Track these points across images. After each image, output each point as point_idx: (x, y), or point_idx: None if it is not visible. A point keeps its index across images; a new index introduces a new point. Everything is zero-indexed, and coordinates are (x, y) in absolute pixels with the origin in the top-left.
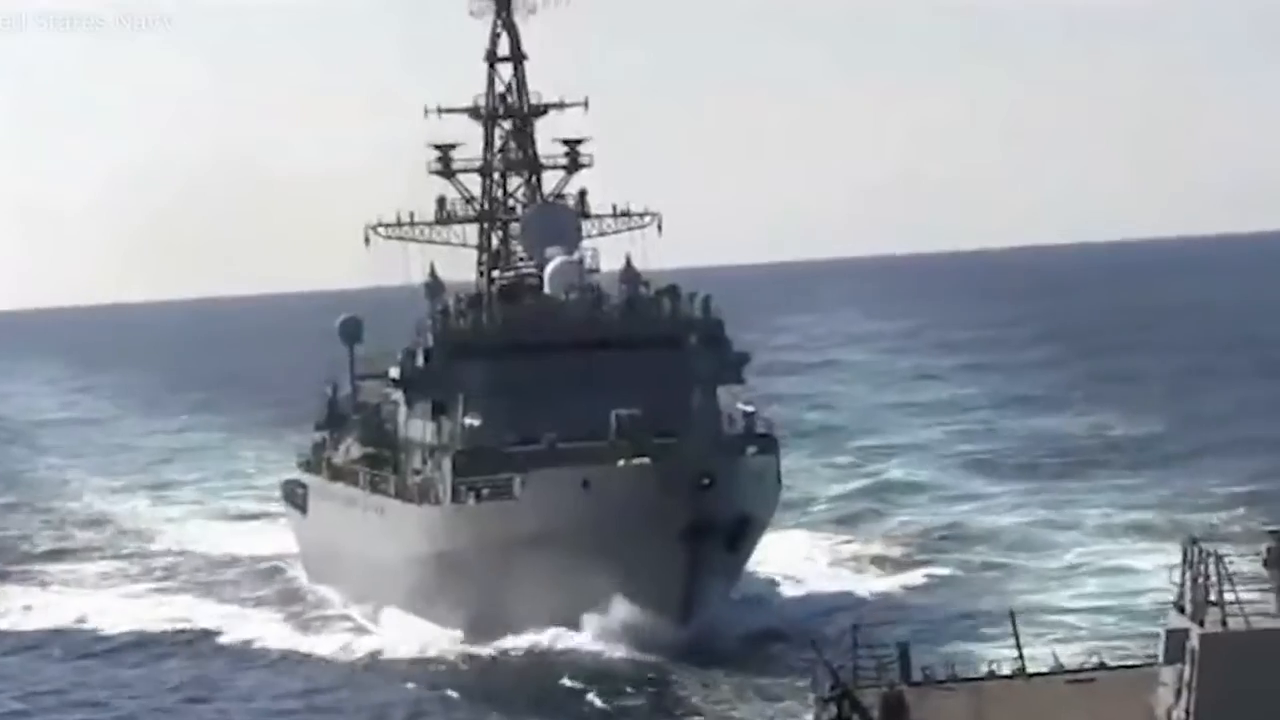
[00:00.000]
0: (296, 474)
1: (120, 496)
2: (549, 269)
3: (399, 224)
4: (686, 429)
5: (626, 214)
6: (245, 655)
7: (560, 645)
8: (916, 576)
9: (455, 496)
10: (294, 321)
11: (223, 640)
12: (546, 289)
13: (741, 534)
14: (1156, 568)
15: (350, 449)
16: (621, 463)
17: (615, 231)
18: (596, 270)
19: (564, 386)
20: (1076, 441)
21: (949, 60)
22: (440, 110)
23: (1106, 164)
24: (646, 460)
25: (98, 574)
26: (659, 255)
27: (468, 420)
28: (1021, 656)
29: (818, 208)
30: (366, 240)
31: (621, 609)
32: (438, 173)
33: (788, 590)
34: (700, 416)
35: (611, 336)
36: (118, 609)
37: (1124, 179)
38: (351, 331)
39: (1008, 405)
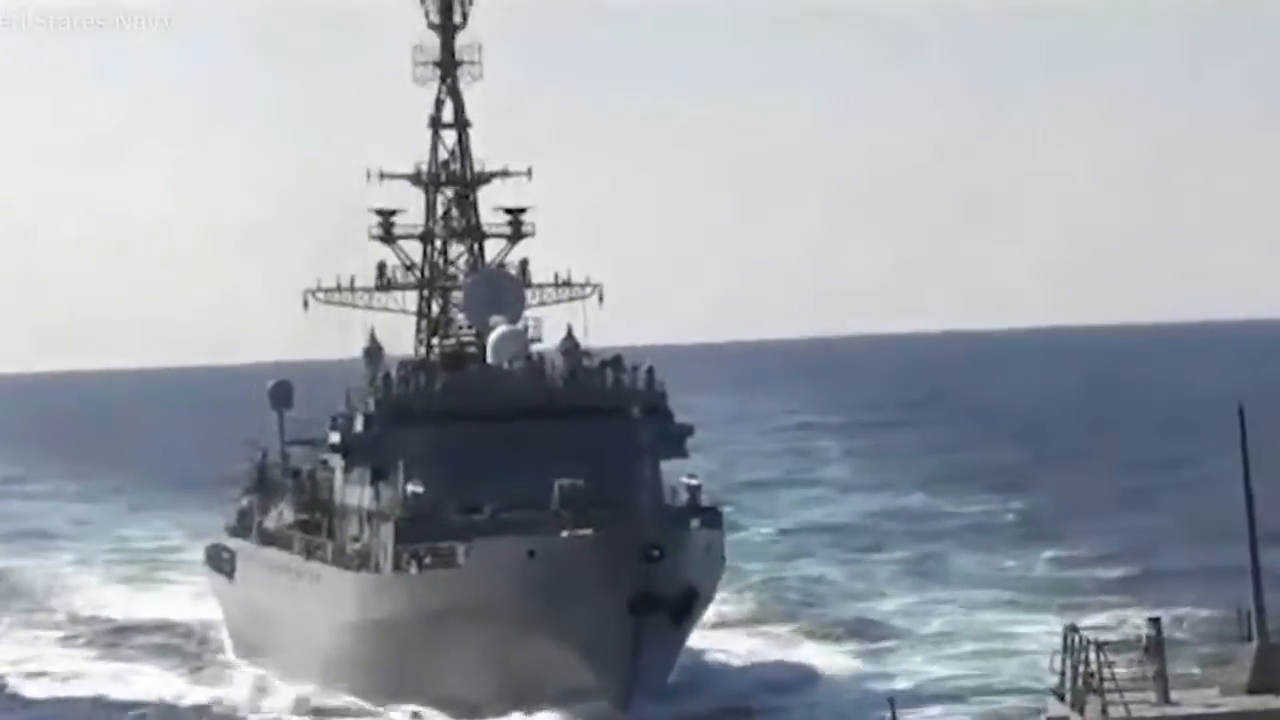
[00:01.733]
0: (221, 539)
1: (24, 558)
2: (492, 337)
3: (339, 289)
4: (631, 500)
5: (568, 284)
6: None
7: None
8: (797, 655)
9: (396, 564)
10: (220, 392)
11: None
12: (489, 357)
13: (688, 608)
14: (1038, 651)
15: (283, 514)
16: (565, 533)
17: (556, 301)
18: (539, 340)
19: (506, 455)
20: (951, 522)
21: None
22: (382, 175)
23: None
24: (590, 531)
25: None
26: (600, 329)
27: (410, 487)
28: None
29: (756, 289)
30: (305, 304)
31: (564, 682)
32: (378, 238)
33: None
34: (646, 488)
35: (555, 406)
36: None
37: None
38: (282, 396)
39: (894, 486)
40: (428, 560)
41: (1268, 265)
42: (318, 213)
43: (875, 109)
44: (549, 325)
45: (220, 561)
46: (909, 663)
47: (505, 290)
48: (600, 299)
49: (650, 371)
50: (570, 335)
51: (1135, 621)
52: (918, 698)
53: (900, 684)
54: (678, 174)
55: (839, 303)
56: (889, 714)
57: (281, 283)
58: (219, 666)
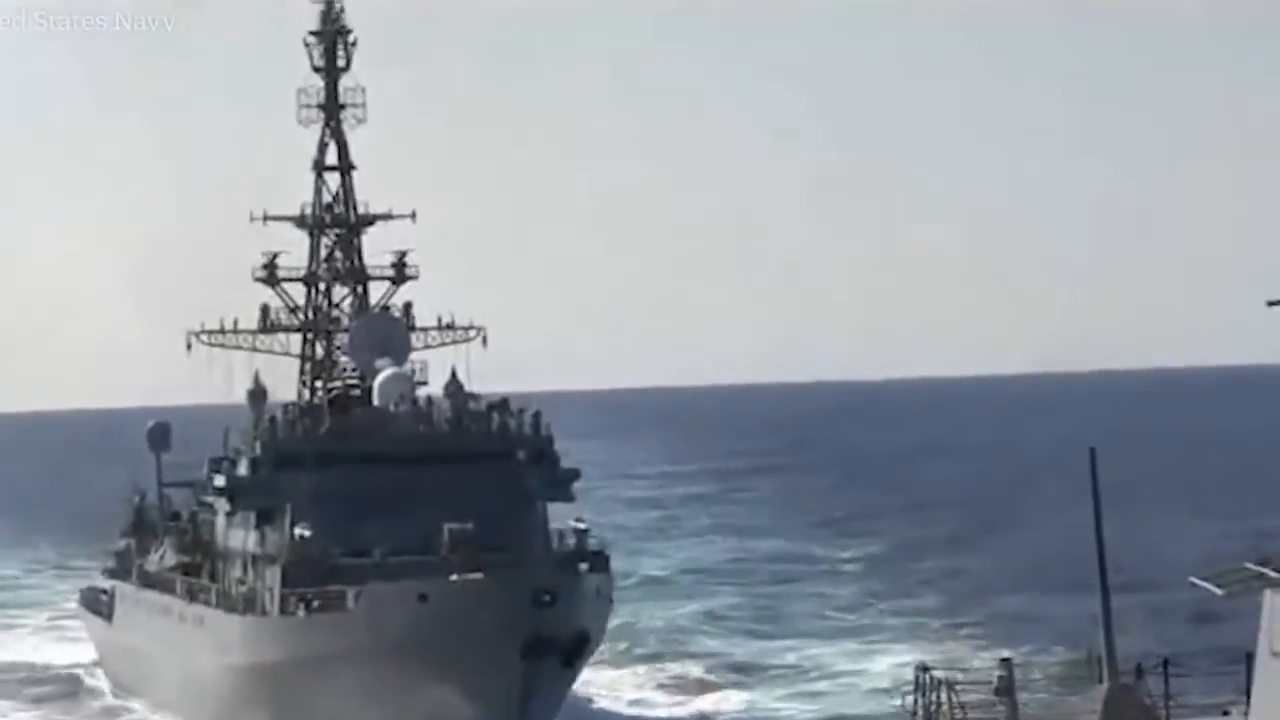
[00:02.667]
0: (97, 581)
1: None
2: (379, 380)
3: (222, 331)
4: (519, 544)
5: (451, 326)
6: None
7: None
8: (658, 695)
9: (284, 607)
10: (101, 436)
11: None
12: (375, 400)
13: (578, 651)
14: (889, 690)
15: (164, 556)
16: (455, 577)
17: (441, 344)
18: (425, 383)
19: (394, 499)
20: (806, 566)
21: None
22: (266, 217)
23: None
24: (480, 575)
25: None
26: (483, 373)
27: (298, 530)
28: None
29: (629, 337)
30: (188, 346)
31: None
32: (262, 280)
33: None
34: (535, 532)
35: (441, 450)
36: None
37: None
38: (159, 438)
39: (754, 531)
40: (316, 604)
41: (1146, 317)
42: (201, 255)
43: (743, 152)
44: (434, 368)
45: (97, 604)
46: (766, 702)
47: (390, 333)
48: (484, 342)
49: (537, 415)
50: (455, 378)
51: (985, 659)
52: None
53: None
54: (562, 220)
55: (708, 353)
56: None
57: (164, 325)
58: (92, 709)
